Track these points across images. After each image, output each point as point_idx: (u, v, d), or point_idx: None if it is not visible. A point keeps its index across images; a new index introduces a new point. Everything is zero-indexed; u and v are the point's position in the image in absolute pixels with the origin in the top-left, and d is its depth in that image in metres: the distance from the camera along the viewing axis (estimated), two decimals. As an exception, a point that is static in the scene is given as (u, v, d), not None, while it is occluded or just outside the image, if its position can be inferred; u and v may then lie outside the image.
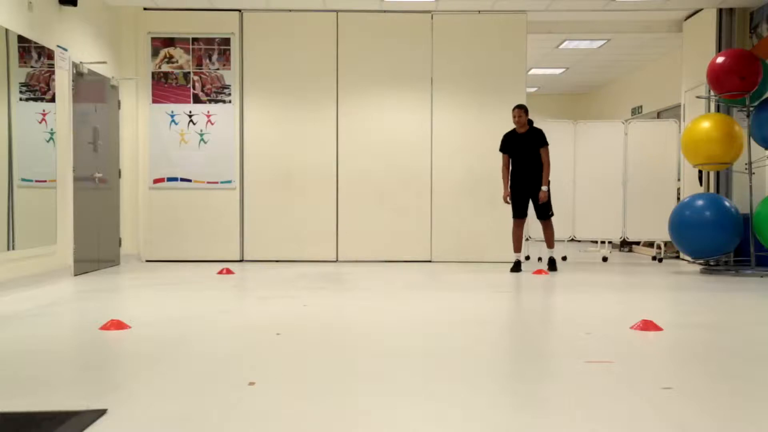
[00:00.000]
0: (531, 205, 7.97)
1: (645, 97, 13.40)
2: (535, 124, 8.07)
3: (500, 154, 8.06)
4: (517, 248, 8.05)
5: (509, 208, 9.23)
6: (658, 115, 12.75)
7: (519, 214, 7.94)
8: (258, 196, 9.25)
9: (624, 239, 10.02)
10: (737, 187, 8.63)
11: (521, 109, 7.92)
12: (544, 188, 7.75)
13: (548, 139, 7.96)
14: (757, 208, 7.56)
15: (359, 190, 9.22)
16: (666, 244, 9.70)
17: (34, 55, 6.77)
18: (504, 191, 7.97)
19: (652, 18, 9.66)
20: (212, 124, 9.15)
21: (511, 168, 7.94)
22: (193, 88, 9.14)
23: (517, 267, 7.95)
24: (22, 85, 6.55)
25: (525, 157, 7.84)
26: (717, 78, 7.79)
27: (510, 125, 8.14)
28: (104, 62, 8.35)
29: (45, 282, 6.76)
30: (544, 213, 7.89)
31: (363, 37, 9.20)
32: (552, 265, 8.06)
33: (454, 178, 9.24)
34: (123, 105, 8.95)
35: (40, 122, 6.90)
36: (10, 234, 6.28)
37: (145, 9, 9.05)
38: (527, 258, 9.47)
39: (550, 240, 8.02)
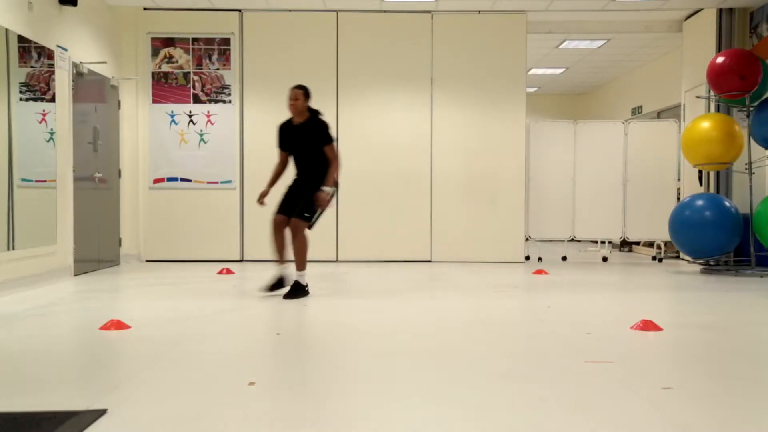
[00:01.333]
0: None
1: (645, 97, 13.41)
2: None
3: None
4: (280, 257, 5.98)
5: (510, 207, 9.26)
6: (658, 115, 12.75)
7: (280, 209, 5.92)
8: (257, 195, 9.22)
9: (624, 239, 10.02)
10: (737, 187, 8.64)
11: (300, 90, 5.89)
12: (326, 189, 5.81)
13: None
14: (757, 208, 7.56)
15: (359, 189, 9.21)
16: (666, 244, 9.70)
17: (34, 55, 6.77)
18: (264, 188, 6.01)
19: (652, 18, 9.66)
20: (212, 124, 9.15)
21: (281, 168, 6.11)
22: (193, 88, 9.14)
23: (278, 284, 5.88)
24: (22, 85, 6.55)
25: (302, 155, 5.93)
26: (717, 78, 7.79)
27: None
28: (104, 62, 8.36)
29: (45, 282, 6.76)
30: (300, 211, 5.81)
31: (363, 37, 9.21)
32: (295, 290, 5.78)
33: (454, 178, 9.24)
34: (123, 105, 8.95)
35: (40, 122, 6.90)
36: (10, 234, 6.28)
37: (145, 9, 9.05)
38: (527, 258, 9.47)
39: (298, 255, 5.87)
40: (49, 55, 7.04)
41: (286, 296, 5.77)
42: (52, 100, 7.08)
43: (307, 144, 5.83)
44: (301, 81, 9.21)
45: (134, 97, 9.12)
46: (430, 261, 9.22)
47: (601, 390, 3.08)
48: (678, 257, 9.81)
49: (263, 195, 5.95)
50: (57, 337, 4.45)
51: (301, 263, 5.87)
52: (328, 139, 5.82)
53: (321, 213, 5.95)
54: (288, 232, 5.89)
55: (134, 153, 9.14)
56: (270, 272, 8.06)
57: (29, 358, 3.77)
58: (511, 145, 9.25)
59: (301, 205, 5.80)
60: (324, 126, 5.83)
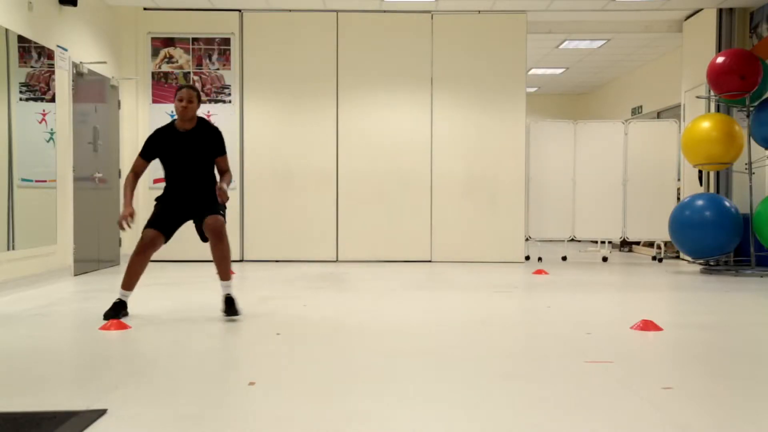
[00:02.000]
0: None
1: (645, 97, 13.41)
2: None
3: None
4: (134, 282, 5.05)
5: (510, 207, 9.24)
6: (658, 115, 12.75)
7: (161, 227, 4.98)
8: (258, 196, 9.25)
9: (624, 239, 10.03)
10: (737, 187, 8.64)
11: (194, 92, 5.08)
12: (225, 186, 4.97)
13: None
14: (757, 208, 7.56)
15: (359, 189, 9.21)
16: (666, 244, 9.70)
17: (34, 55, 6.77)
18: (125, 209, 4.89)
19: (652, 18, 9.66)
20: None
21: (166, 177, 5.11)
22: (193, 88, 9.13)
23: (116, 309, 4.91)
24: (22, 85, 6.55)
25: (191, 165, 5.01)
26: (717, 78, 7.79)
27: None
28: (104, 62, 8.36)
29: (45, 282, 6.76)
30: (216, 207, 5.01)
31: (363, 37, 9.21)
32: (230, 306, 4.94)
33: (454, 178, 9.24)
34: (123, 105, 8.95)
35: (40, 122, 6.90)
36: (10, 234, 6.28)
37: (145, 9, 9.05)
38: (527, 258, 9.47)
39: (227, 261, 5.07)
40: (49, 55, 7.04)
41: (231, 313, 4.91)
42: (52, 100, 7.08)
43: (200, 154, 5.01)
44: (300, 80, 9.30)
45: (134, 97, 9.12)
46: (430, 261, 9.22)
47: (601, 390, 3.08)
48: (678, 257, 9.81)
49: (131, 215, 4.86)
50: (57, 337, 4.45)
51: (229, 270, 5.07)
52: (224, 149, 5.11)
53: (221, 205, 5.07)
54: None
55: (134, 153, 9.05)
56: (270, 272, 8.10)
57: (29, 358, 3.77)
58: (511, 145, 9.25)
59: (212, 203, 4.99)
60: (221, 134, 5.14)
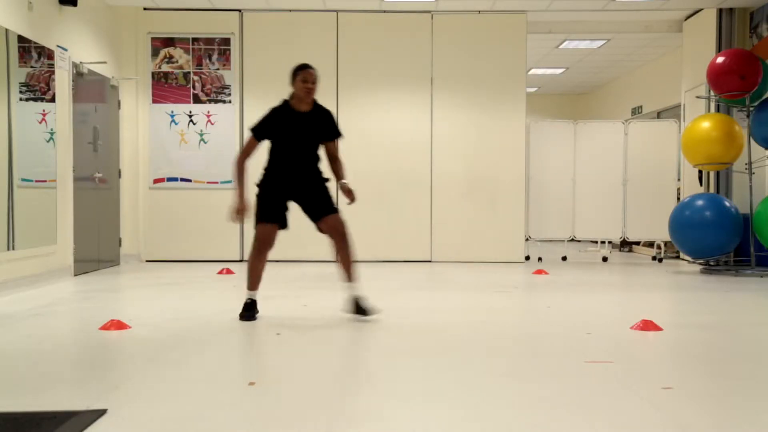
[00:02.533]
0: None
1: (645, 97, 13.41)
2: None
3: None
4: (255, 284, 4.91)
5: (510, 207, 9.24)
6: (658, 115, 12.75)
7: (276, 218, 4.85)
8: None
9: (624, 239, 10.03)
10: (737, 187, 8.64)
11: (317, 72, 4.86)
12: (346, 182, 4.99)
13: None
14: (757, 208, 7.56)
15: (359, 189, 9.07)
16: (666, 244, 9.70)
17: (34, 55, 6.77)
18: (240, 201, 4.78)
19: (652, 18, 9.66)
20: (212, 124, 9.15)
21: (272, 160, 4.90)
22: (193, 88, 9.14)
23: (249, 309, 4.82)
24: (22, 85, 6.55)
25: (304, 148, 4.87)
26: (717, 78, 7.79)
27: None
28: (104, 62, 8.36)
29: (45, 282, 6.76)
30: (333, 205, 4.93)
31: (363, 37, 9.21)
32: (361, 306, 4.82)
33: (454, 178, 9.24)
34: (123, 105, 8.95)
35: (40, 122, 6.90)
36: (10, 234, 6.28)
37: (145, 9, 9.05)
38: (527, 258, 9.47)
39: (349, 266, 4.88)
40: (49, 55, 7.04)
41: (365, 314, 4.77)
42: (52, 100, 7.08)
43: (315, 137, 4.88)
44: (301, 81, 9.29)
45: (134, 97, 9.12)
46: (430, 261, 9.22)
47: (601, 390, 3.08)
48: (678, 257, 9.81)
49: (245, 210, 4.76)
50: (57, 337, 4.45)
51: (355, 271, 4.86)
52: (339, 132, 5.01)
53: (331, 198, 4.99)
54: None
55: (134, 153, 9.14)
56: (270, 272, 8.08)
57: (29, 358, 3.77)
58: (511, 145, 9.25)
59: (325, 198, 4.88)
60: (334, 116, 5.01)
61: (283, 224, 4.86)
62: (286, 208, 4.88)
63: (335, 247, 4.86)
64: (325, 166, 4.97)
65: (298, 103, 4.82)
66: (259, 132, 4.84)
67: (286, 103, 4.87)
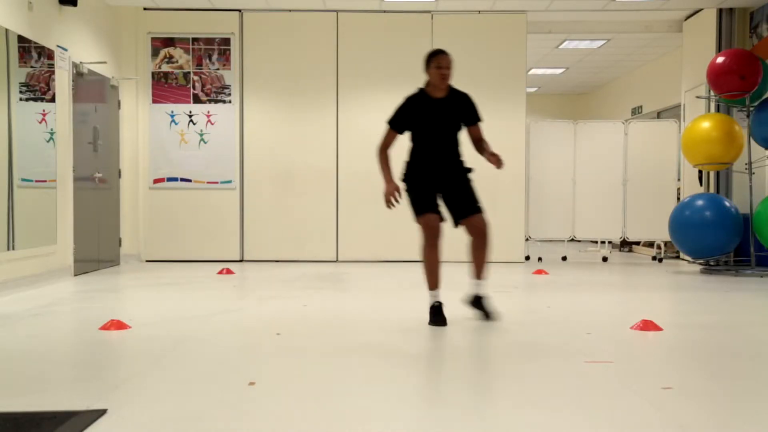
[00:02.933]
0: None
1: (645, 97, 13.41)
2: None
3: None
4: (435, 281, 4.79)
5: (510, 207, 9.23)
6: (658, 115, 12.76)
7: (433, 208, 4.74)
8: (258, 196, 9.25)
9: (624, 239, 10.03)
10: (737, 187, 8.64)
11: (450, 57, 4.89)
12: (491, 151, 4.83)
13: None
14: (757, 208, 7.56)
15: (359, 189, 9.21)
16: (666, 244, 9.70)
17: (34, 55, 6.77)
18: (389, 184, 4.72)
19: (652, 18, 9.66)
20: (212, 124, 9.15)
21: (414, 150, 4.85)
22: (193, 88, 9.14)
23: (437, 314, 4.66)
24: (22, 85, 6.55)
25: (444, 135, 4.77)
26: (717, 78, 7.79)
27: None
28: (104, 62, 8.36)
29: (45, 282, 6.76)
30: (478, 204, 4.84)
31: (363, 37, 9.20)
32: (478, 302, 4.78)
33: (454, 178, 9.23)
34: (123, 105, 8.95)
35: (40, 122, 6.90)
36: (10, 234, 6.28)
37: (145, 9, 9.05)
38: (527, 258, 9.47)
39: (481, 265, 4.83)
40: (49, 55, 7.04)
41: (489, 317, 4.68)
42: (52, 100, 7.08)
43: (454, 123, 4.77)
44: (300, 80, 9.30)
45: (134, 97, 9.12)
46: (430, 261, 9.20)
47: (601, 390, 3.08)
48: (678, 257, 9.81)
49: (397, 190, 4.65)
50: (57, 337, 4.45)
51: (485, 271, 4.73)
52: (479, 116, 4.85)
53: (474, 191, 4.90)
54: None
55: (134, 153, 9.14)
56: (270, 272, 8.10)
57: (29, 358, 3.77)
58: (511, 145, 9.23)
59: (470, 196, 4.76)
60: (473, 100, 4.90)
61: (440, 213, 4.73)
62: (436, 198, 4.76)
63: (473, 245, 4.78)
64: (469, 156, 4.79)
65: (433, 90, 4.75)
66: (396, 123, 4.80)
67: (421, 90, 4.80)
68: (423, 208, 4.66)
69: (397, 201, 4.62)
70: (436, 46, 9.20)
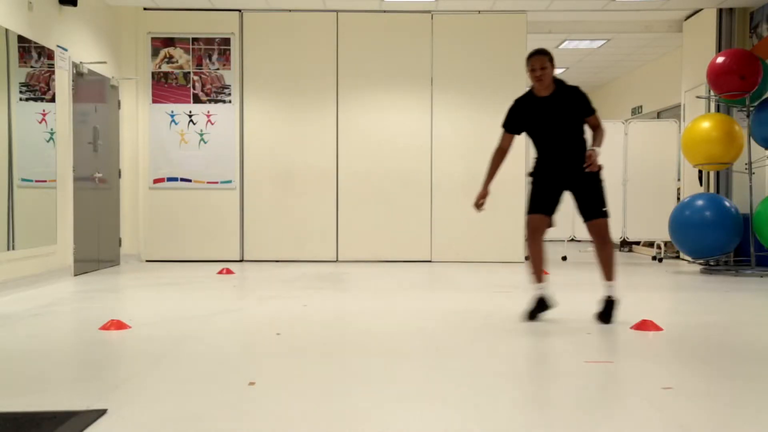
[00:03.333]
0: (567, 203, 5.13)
1: (645, 97, 13.41)
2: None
3: (489, 153, 4.90)
4: (540, 272, 4.94)
5: (510, 207, 9.23)
6: (658, 115, 12.75)
7: (543, 209, 4.93)
8: (258, 196, 9.25)
9: (624, 239, 10.02)
10: (737, 187, 8.64)
11: (545, 56, 4.77)
12: (596, 149, 4.82)
13: None
14: (757, 208, 7.56)
15: (359, 189, 9.21)
16: (666, 244, 9.70)
17: (34, 55, 6.77)
18: (481, 190, 5.02)
19: (652, 18, 9.66)
20: (212, 124, 9.15)
21: (536, 151, 5.03)
22: (193, 88, 9.14)
23: (540, 307, 4.87)
24: (22, 85, 6.55)
25: (558, 133, 4.81)
26: (717, 78, 7.79)
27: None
28: (104, 62, 8.36)
29: (45, 282, 6.76)
30: (600, 208, 4.86)
31: (363, 37, 9.21)
32: (607, 309, 4.78)
33: (454, 178, 9.24)
34: (123, 105, 8.95)
35: (40, 122, 6.90)
36: (10, 234, 6.28)
37: (145, 9, 9.05)
38: (527, 258, 9.46)
39: (610, 262, 4.84)
40: (49, 55, 7.04)
41: (604, 319, 4.71)
42: (52, 100, 7.08)
43: (565, 119, 4.77)
44: (300, 80, 9.30)
45: (134, 97, 9.12)
46: (430, 261, 9.22)
47: (601, 390, 3.08)
48: (678, 257, 9.81)
49: (484, 196, 4.93)
50: (57, 337, 4.45)
51: (613, 272, 4.82)
52: (591, 108, 4.84)
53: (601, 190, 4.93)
54: (593, 240, 4.83)
55: (134, 153, 9.14)
56: (270, 272, 8.10)
57: (29, 358, 3.77)
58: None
59: (596, 199, 4.82)
60: (583, 92, 4.85)
61: (549, 213, 4.90)
62: (556, 198, 4.91)
63: (595, 246, 4.90)
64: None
65: (538, 90, 4.80)
66: (507, 125, 4.95)
67: (529, 91, 4.87)
68: (531, 208, 4.93)
69: (482, 206, 4.91)
70: (436, 46, 9.27)
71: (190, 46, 9.14)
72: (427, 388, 3.12)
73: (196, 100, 9.14)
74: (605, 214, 4.80)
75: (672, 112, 11.80)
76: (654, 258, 9.82)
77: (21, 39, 6.48)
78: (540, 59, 4.71)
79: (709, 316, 5.24)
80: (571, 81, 5.02)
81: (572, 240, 9.88)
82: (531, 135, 4.90)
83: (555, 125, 4.76)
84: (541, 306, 4.84)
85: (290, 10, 9.14)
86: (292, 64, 9.21)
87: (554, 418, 2.70)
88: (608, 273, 4.80)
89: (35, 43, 6.73)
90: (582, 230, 9.57)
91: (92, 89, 8.09)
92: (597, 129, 4.85)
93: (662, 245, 9.73)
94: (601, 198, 4.83)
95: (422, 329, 4.57)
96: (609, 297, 4.77)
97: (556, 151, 4.83)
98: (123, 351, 3.99)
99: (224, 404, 2.85)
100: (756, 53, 7.97)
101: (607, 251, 4.80)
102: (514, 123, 4.90)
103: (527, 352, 3.98)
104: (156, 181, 9.18)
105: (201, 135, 9.15)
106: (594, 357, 3.70)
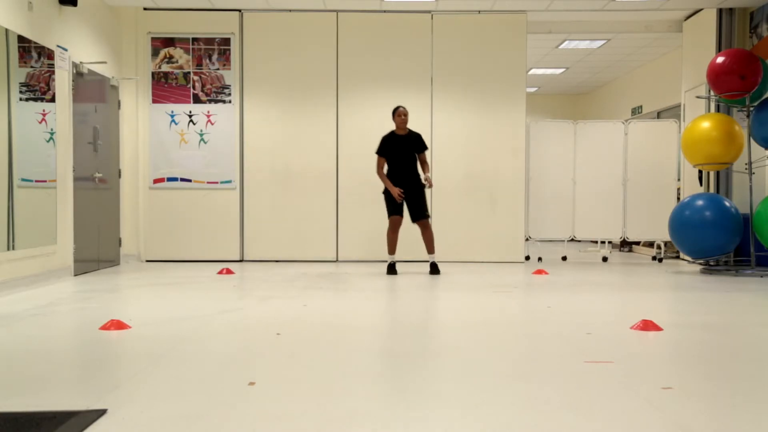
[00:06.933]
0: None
1: (645, 97, 13.41)
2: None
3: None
4: (393, 249, 7.89)
5: (510, 207, 9.27)
6: (658, 115, 12.76)
7: (399, 211, 7.71)
8: (258, 196, 9.25)
9: (624, 239, 10.03)
10: (737, 187, 8.64)
11: (406, 109, 7.79)
12: (428, 174, 7.64)
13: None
14: (757, 208, 7.56)
15: (359, 189, 9.22)
16: (666, 244, 9.71)
17: (34, 55, 6.77)
18: (393, 189, 7.57)
19: (652, 18, 9.67)
20: (212, 124, 9.16)
21: (389, 170, 7.70)
22: (193, 88, 9.15)
23: (392, 269, 7.84)
24: (22, 85, 6.55)
25: (406, 159, 7.65)
26: (717, 78, 7.79)
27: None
28: (104, 62, 8.36)
29: (45, 282, 6.76)
30: (425, 212, 7.68)
31: (363, 37, 9.21)
32: (434, 268, 7.84)
33: (454, 178, 9.25)
34: (123, 105, 8.96)
35: (40, 122, 6.90)
36: (10, 234, 6.28)
37: (145, 9, 9.06)
38: (527, 258, 9.47)
39: (430, 244, 7.81)
40: (49, 55, 7.04)
41: (434, 272, 7.79)
42: (52, 100, 7.08)
43: (411, 152, 7.66)
44: (300, 80, 9.33)
45: (134, 97, 9.12)
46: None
47: (601, 390, 3.08)
48: (678, 257, 9.81)
49: (401, 192, 7.61)
50: (57, 337, 4.45)
51: (433, 247, 7.84)
52: (426, 147, 7.79)
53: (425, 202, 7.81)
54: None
55: (134, 153, 9.14)
56: (270, 272, 8.12)
57: (29, 358, 3.77)
58: (511, 145, 9.25)
59: (422, 205, 7.69)
60: (422, 136, 7.83)
61: (402, 213, 7.82)
62: (403, 203, 7.81)
63: (421, 233, 7.81)
64: None
65: (398, 131, 7.79)
66: (381, 151, 7.75)
67: (392, 131, 7.81)
68: (392, 212, 7.73)
69: (402, 196, 7.62)
70: (436, 46, 9.29)
71: (190, 46, 9.14)
72: (427, 388, 3.12)
73: (196, 100, 9.14)
74: (427, 216, 7.72)
75: (672, 112, 11.80)
76: (654, 258, 9.82)
77: (21, 39, 6.48)
78: (405, 110, 7.69)
79: (709, 316, 5.24)
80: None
81: (572, 240, 9.88)
82: (389, 159, 7.66)
83: (406, 155, 7.64)
84: (392, 269, 7.80)
85: (290, 10, 9.14)
86: (292, 64, 9.21)
87: (554, 418, 2.70)
88: (430, 248, 7.80)
89: (35, 43, 6.74)
90: (582, 230, 9.66)
91: (92, 89, 8.09)
92: (425, 164, 7.74)
93: (662, 245, 9.74)
94: (425, 204, 7.73)
95: (422, 329, 4.58)
96: (434, 262, 7.85)
97: (403, 173, 7.64)
98: (123, 351, 3.99)
99: (224, 404, 2.85)
100: (756, 53, 7.97)
101: (428, 234, 7.75)
102: (385, 150, 7.66)
103: (527, 351, 3.98)
104: (156, 181, 9.18)
105: (201, 135, 9.16)
106: (594, 357, 3.70)
